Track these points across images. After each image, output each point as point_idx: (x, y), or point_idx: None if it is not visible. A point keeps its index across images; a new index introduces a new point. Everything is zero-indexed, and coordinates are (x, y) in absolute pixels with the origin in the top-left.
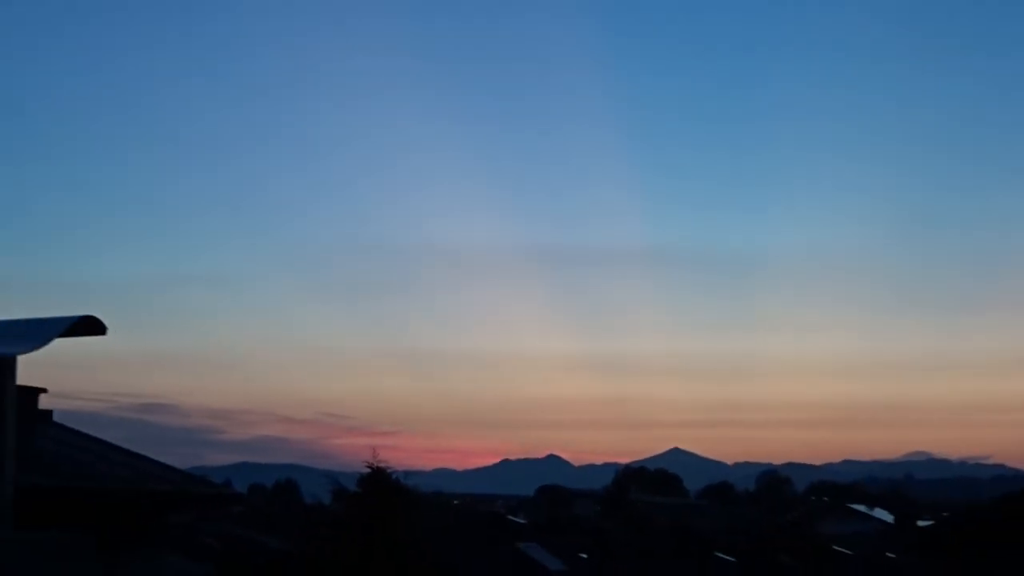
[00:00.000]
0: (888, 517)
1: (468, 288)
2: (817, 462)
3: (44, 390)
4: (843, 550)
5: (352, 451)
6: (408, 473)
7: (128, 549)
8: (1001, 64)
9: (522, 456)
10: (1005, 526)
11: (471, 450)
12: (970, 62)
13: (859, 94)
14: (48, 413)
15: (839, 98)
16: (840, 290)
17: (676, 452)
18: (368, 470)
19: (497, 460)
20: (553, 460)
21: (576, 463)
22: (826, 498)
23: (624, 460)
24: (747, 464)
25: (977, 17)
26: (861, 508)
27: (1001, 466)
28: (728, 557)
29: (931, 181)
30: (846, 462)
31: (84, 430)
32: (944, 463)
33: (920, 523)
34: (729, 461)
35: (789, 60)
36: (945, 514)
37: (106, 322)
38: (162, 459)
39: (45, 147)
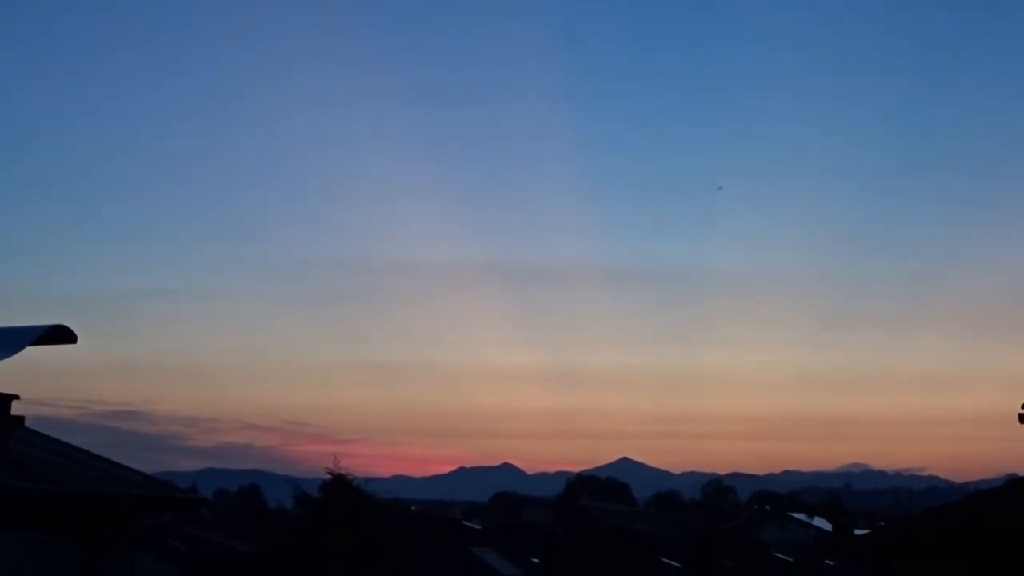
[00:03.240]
0: (827, 525)
1: (427, 302)
2: (759, 472)
3: (16, 397)
4: (784, 556)
5: (314, 458)
6: (368, 480)
7: (99, 550)
8: (932, 106)
9: (477, 464)
10: (938, 535)
11: (428, 458)
12: (903, 104)
13: (798, 129)
14: (20, 419)
15: (781, 131)
16: (783, 309)
17: (625, 461)
18: (329, 477)
19: (453, 468)
20: (507, 468)
21: (529, 471)
22: (768, 507)
23: (575, 469)
24: (693, 473)
25: (913, 56)
26: (801, 516)
27: (935, 477)
28: (674, 562)
29: (866, 209)
30: (787, 472)
31: (56, 436)
32: (880, 474)
33: (857, 531)
34: (676, 470)
35: (734, 93)
36: (881, 523)
37: (77, 332)
38: (130, 464)
39: (17, 159)
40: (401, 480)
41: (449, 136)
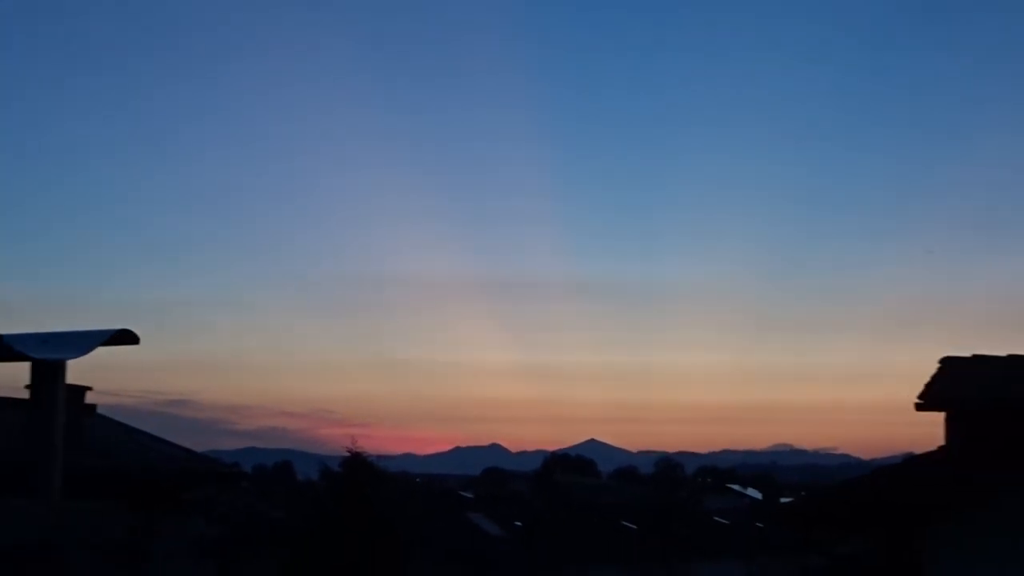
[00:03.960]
0: (758, 495)
1: (428, 310)
2: (703, 451)
3: (89, 388)
4: (722, 520)
5: (337, 439)
6: (380, 457)
7: (157, 514)
8: (855, 135)
9: (471, 444)
10: (848, 502)
11: (430, 439)
12: (814, 143)
13: (732, 161)
14: (92, 407)
15: (718, 163)
16: (721, 315)
17: (592, 442)
18: (348, 454)
19: (450, 447)
20: (495, 448)
21: (513, 450)
22: (709, 479)
23: (551, 448)
24: (648, 452)
25: (838, 98)
26: (737, 487)
27: (846, 455)
28: (631, 526)
29: (792, 229)
30: (725, 451)
31: (121, 421)
32: (802, 452)
33: (783, 500)
34: (634, 449)
35: (681, 126)
36: (803, 493)
37: (139, 333)
38: (183, 444)
39: (86, 187)
40: (407, 457)
41: (445, 168)
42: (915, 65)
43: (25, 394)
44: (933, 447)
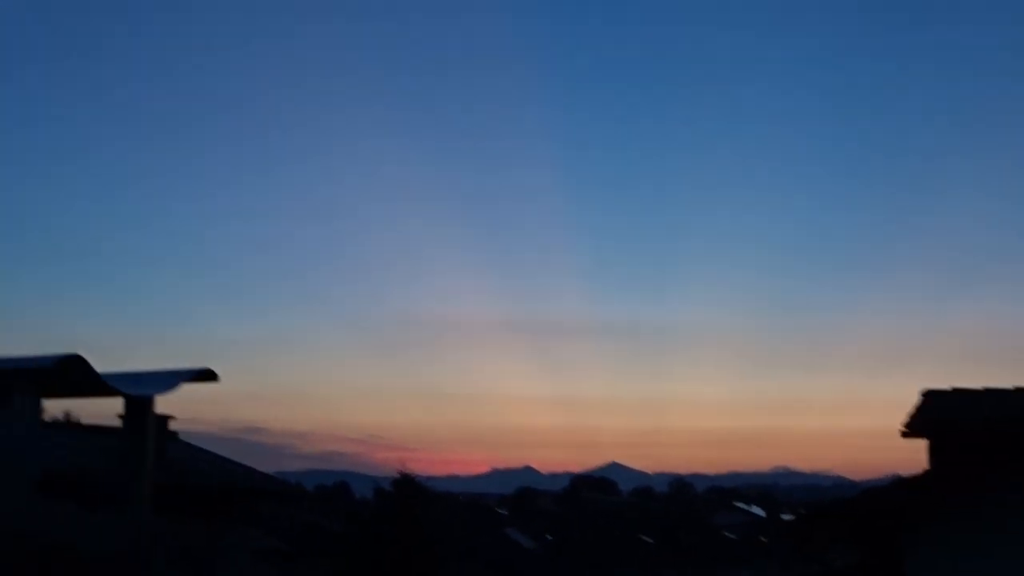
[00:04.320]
0: (761, 512)
1: (467, 347)
2: (712, 472)
3: (172, 417)
4: (730, 535)
5: (388, 462)
6: (427, 478)
7: (229, 528)
8: (842, 186)
9: (506, 466)
10: (841, 518)
11: (470, 461)
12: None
13: (734, 215)
14: (175, 433)
15: (726, 217)
16: (726, 350)
17: (613, 464)
18: (399, 476)
19: (488, 469)
20: (528, 469)
21: (544, 471)
22: (718, 497)
23: (576, 469)
24: (664, 473)
25: (822, 157)
26: (742, 505)
27: (840, 477)
28: (648, 539)
29: (788, 274)
30: (732, 473)
31: (201, 446)
32: (800, 474)
33: (783, 516)
34: (651, 471)
35: (682, 184)
36: (801, 510)
37: (216, 370)
38: (254, 466)
39: (177, 238)
40: (450, 478)
41: (483, 222)
42: (889, 119)
43: (118, 423)
44: (918, 470)
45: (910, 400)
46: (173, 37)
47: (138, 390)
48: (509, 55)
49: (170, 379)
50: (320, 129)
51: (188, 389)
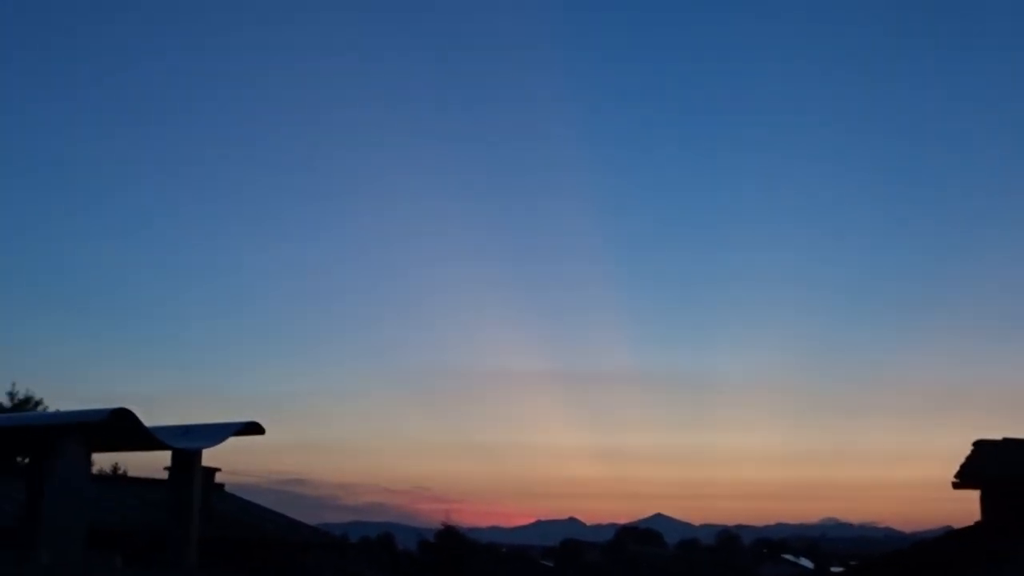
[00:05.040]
0: (809, 564)
1: (511, 398)
2: (759, 524)
3: (219, 469)
4: None
5: (432, 513)
6: (471, 529)
7: None
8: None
9: (550, 517)
10: (895, 573)
11: (514, 513)
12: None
13: (775, 255)
14: (221, 485)
15: (769, 261)
16: (773, 401)
17: (659, 516)
18: (443, 527)
19: (532, 520)
20: (572, 521)
21: (588, 523)
22: (765, 550)
23: (622, 521)
24: (710, 525)
25: (872, 200)
26: (790, 557)
27: (890, 528)
28: None
29: (833, 321)
30: (779, 524)
31: (245, 498)
32: (849, 526)
33: (832, 569)
34: (697, 523)
35: (734, 223)
36: (852, 563)
37: (262, 422)
38: (298, 518)
39: (217, 290)
40: (494, 530)
41: (524, 278)
42: (944, 156)
43: (164, 475)
44: (970, 521)
45: (962, 450)
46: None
47: (186, 443)
48: (554, 117)
49: (217, 432)
50: (371, 183)
51: (234, 441)
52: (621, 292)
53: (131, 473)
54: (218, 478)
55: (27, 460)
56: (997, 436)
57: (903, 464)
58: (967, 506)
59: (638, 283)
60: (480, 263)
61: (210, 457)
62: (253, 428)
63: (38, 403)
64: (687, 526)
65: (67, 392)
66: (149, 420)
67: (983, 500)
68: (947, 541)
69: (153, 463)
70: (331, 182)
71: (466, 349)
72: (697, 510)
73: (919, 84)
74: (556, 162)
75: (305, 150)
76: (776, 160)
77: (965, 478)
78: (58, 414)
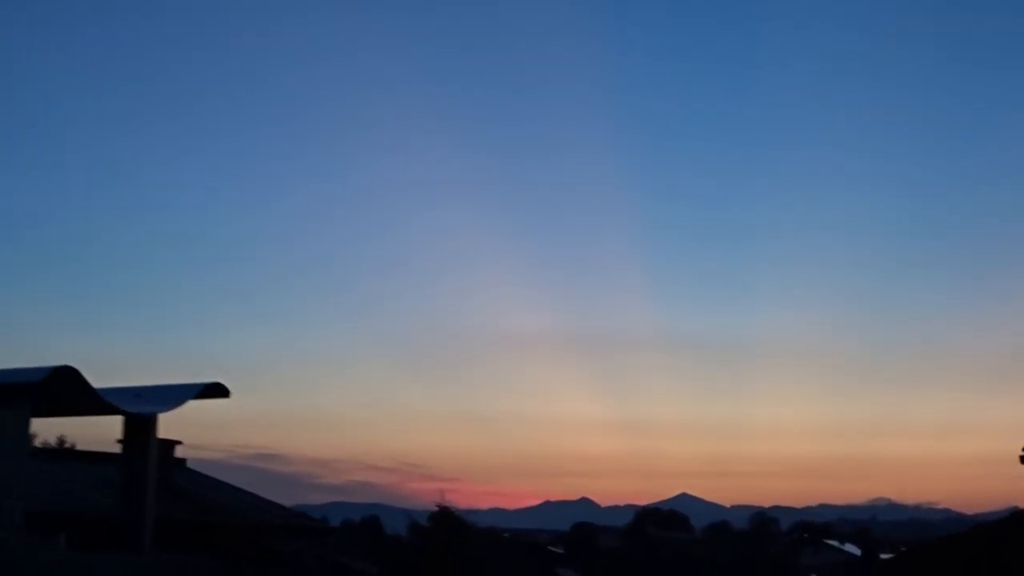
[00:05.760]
0: (856, 551)
1: (515, 364)
2: (799, 505)
3: (179, 442)
4: None
5: (425, 494)
6: (468, 512)
7: (246, 569)
8: (937, 181)
9: (560, 498)
10: (950, 558)
11: (519, 493)
12: (912, 180)
13: (825, 212)
14: (182, 460)
15: (812, 216)
16: (815, 366)
17: (684, 496)
18: (437, 509)
19: (539, 501)
20: (584, 502)
21: (603, 504)
22: (806, 535)
23: (642, 502)
24: (742, 507)
25: (928, 130)
26: (834, 543)
27: (948, 510)
28: None
29: (886, 275)
30: (822, 505)
31: (210, 475)
32: (902, 507)
33: (883, 556)
34: (727, 504)
35: (773, 177)
36: (903, 548)
37: (229, 387)
38: (271, 498)
39: (181, 245)
40: (496, 512)
41: (530, 224)
42: (1014, 104)
43: (117, 448)
44: None
45: None
46: (185, 14)
47: (139, 407)
48: (578, 69)
49: (175, 395)
50: (352, 116)
51: (196, 408)
52: (644, 245)
53: (79, 446)
54: (179, 452)
55: None
56: None
57: (965, 437)
58: None
59: (663, 235)
60: (483, 212)
61: (169, 427)
62: (216, 391)
63: None
64: (716, 508)
65: (12, 355)
66: (97, 383)
67: None
68: (1012, 523)
69: (105, 435)
70: (308, 109)
71: (466, 308)
72: (728, 490)
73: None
74: (572, 103)
75: (290, 95)
76: (818, 104)
77: None
78: None
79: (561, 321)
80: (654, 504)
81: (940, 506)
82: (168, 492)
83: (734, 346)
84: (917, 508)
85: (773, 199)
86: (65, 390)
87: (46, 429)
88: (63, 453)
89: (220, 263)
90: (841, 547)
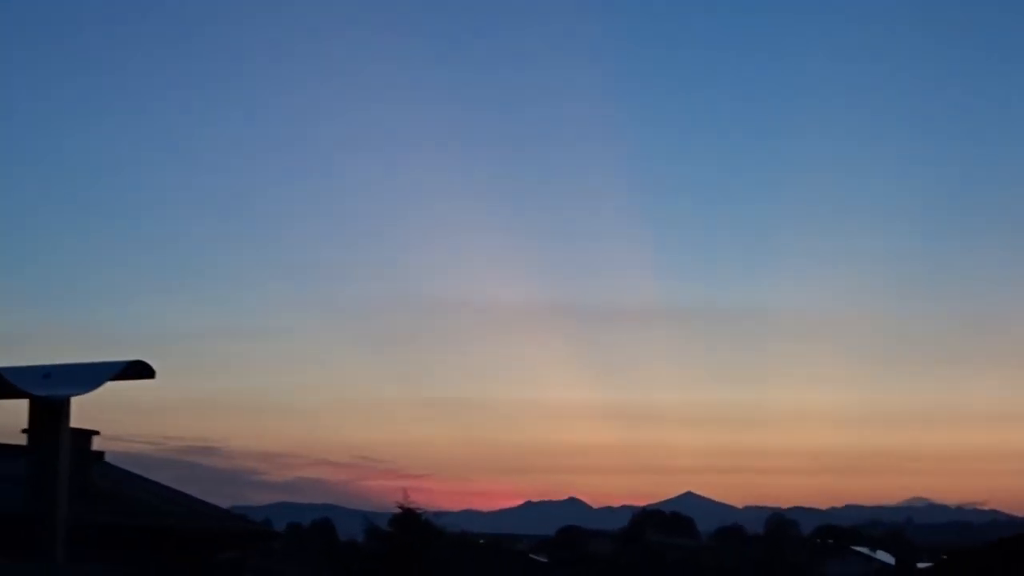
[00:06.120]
0: (889, 559)
1: (493, 341)
2: (822, 506)
3: (96, 432)
4: None
5: (385, 493)
6: (437, 514)
7: None
8: (984, 142)
9: (544, 498)
10: (1000, 568)
11: (496, 492)
12: (955, 142)
13: (852, 170)
14: (100, 454)
15: (836, 172)
16: (843, 343)
17: (689, 496)
18: (399, 511)
19: (520, 502)
20: (573, 502)
21: (595, 505)
22: (831, 540)
23: (640, 503)
24: (756, 508)
25: (965, 95)
26: (864, 550)
27: (996, 511)
28: None
29: (929, 242)
30: (849, 507)
31: (134, 471)
32: (943, 508)
33: (920, 565)
34: (739, 504)
35: (795, 135)
36: (944, 556)
37: (155, 367)
38: (206, 498)
39: (87, 197)
40: (469, 514)
41: (512, 178)
42: None
43: (23, 439)
44: None
45: None
46: None
47: (48, 390)
48: (563, 7)
49: (91, 375)
50: (299, 60)
51: (116, 391)
52: (642, 201)
53: None
54: (96, 444)
55: None
56: None
57: (1015, 427)
58: None
59: (667, 190)
60: (453, 168)
61: (85, 415)
62: (140, 370)
63: None
64: (727, 509)
65: None
66: (1, 363)
67: None
68: None
69: (8, 423)
70: (258, 72)
71: (435, 276)
72: (740, 488)
73: None
74: (552, 32)
75: (228, 43)
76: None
77: None
78: None
79: (546, 291)
80: (654, 505)
81: (987, 507)
82: (83, 491)
83: (748, 319)
84: (960, 509)
85: (794, 150)
86: None
87: None
88: None
89: (146, 225)
90: (872, 555)
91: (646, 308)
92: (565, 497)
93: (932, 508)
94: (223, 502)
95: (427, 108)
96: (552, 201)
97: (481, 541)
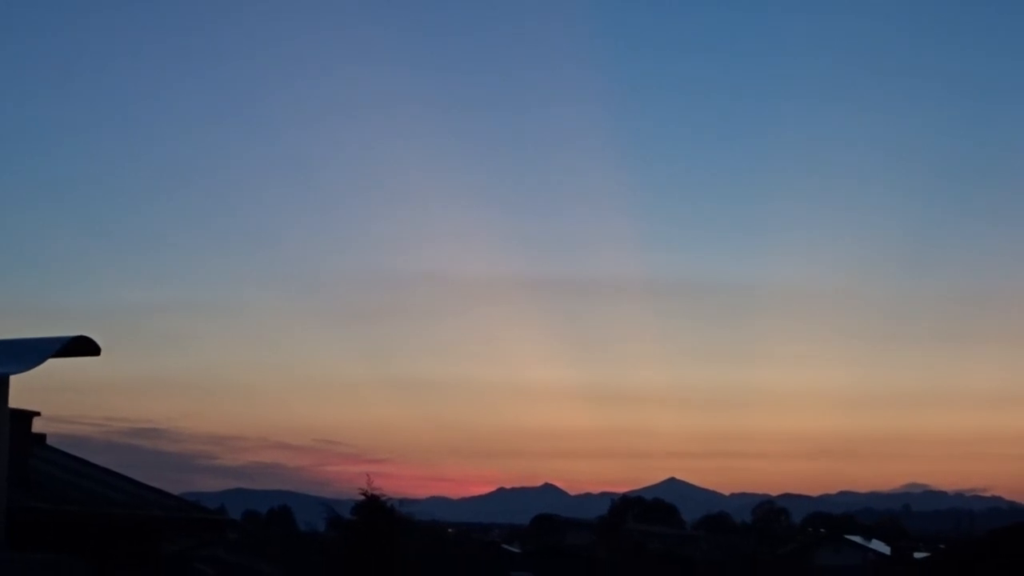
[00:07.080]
0: (885, 549)
1: (463, 316)
2: (813, 493)
3: (37, 413)
4: None
5: (347, 478)
6: (403, 501)
7: (118, 572)
8: (986, 113)
9: (518, 485)
10: (1000, 558)
11: (467, 479)
12: (956, 112)
13: (847, 139)
14: (41, 436)
15: (829, 143)
16: (837, 322)
17: (672, 482)
18: (363, 498)
19: (493, 489)
20: (549, 489)
21: (572, 492)
22: (822, 529)
23: (620, 490)
24: (744, 495)
25: (965, 62)
26: (857, 539)
27: (997, 498)
28: None
29: (925, 222)
30: (843, 494)
31: (77, 454)
32: (941, 495)
33: (917, 555)
34: (726, 492)
35: (782, 102)
36: (941, 546)
37: (100, 343)
38: (154, 484)
39: (26, 168)
40: (438, 501)
41: (482, 142)
42: None
43: None
44: None
45: None
46: None
47: None
48: None
49: (31, 351)
50: (258, 24)
51: (58, 369)
52: (626, 168)
53: None
54: (37, 425)
55: None
56: None
57: (1017, 411)
58: None
59: (650, 158)
60: (422, 133)
61: (24, 393)
62: (83, 347)
63: None
64: (712, 496)
65: None
66: None
67: None
68: None
69: None
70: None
71: (399, 247)
72: (726, 474)
73: None
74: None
75: (181, 14)
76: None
77: None
78: None
79: (519, 263)
80: (635, 492)
81: (987, 494)
82: (23, 476)
83: (737, 294)
84: (959, 496)
85: (786, 119)
86: None
87: None
88: None
89: (92, 195)
90: (865, 544)
91: (626, 282)
92: (540, 484)
93: (930, 495)
94: (172, 488)
95: (389, 73)
96: (524, 167)
97: (450, 530)
